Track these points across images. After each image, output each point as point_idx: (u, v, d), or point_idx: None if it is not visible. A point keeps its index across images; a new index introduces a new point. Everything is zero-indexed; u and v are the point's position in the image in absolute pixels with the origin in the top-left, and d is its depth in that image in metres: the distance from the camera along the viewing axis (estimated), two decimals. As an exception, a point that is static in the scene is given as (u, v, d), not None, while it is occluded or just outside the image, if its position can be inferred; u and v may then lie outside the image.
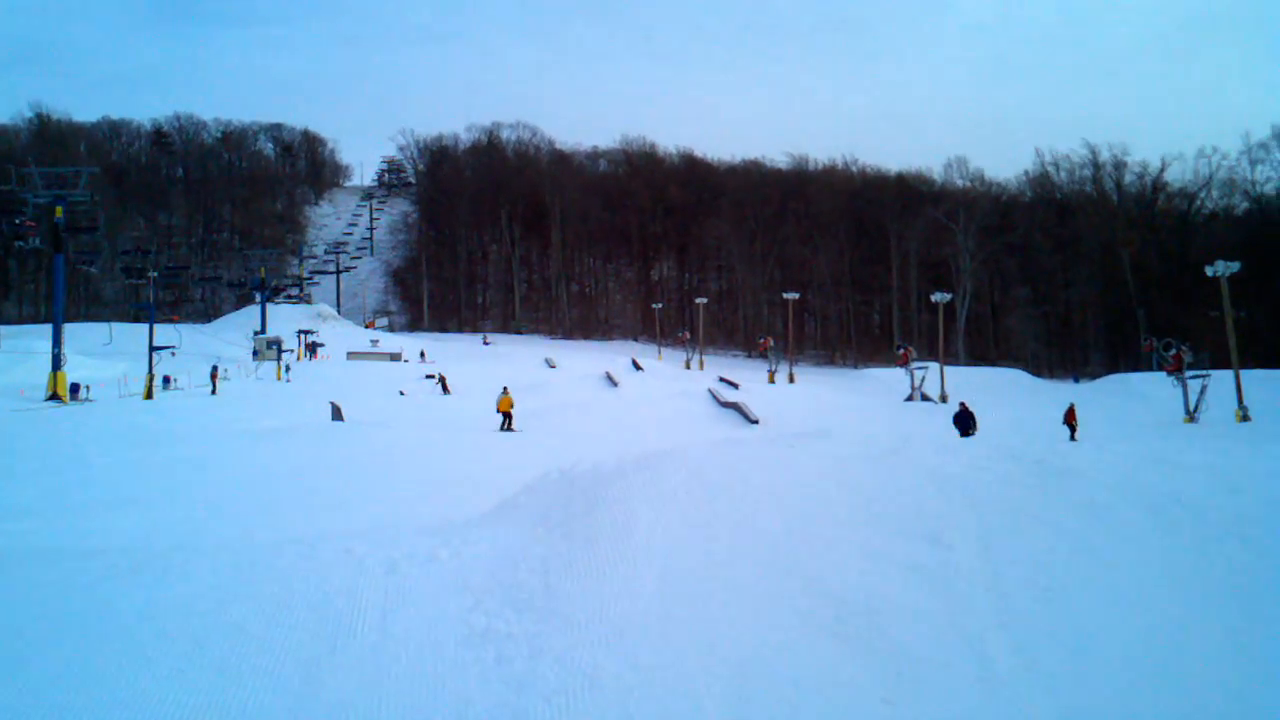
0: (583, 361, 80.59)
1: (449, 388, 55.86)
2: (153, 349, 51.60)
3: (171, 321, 71.35)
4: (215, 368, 55.19)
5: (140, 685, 6.08)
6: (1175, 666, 6.19)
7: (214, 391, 51.16)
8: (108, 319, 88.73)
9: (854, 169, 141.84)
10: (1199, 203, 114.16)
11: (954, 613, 6.86)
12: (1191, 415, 43.67)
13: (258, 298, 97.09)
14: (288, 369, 68.23)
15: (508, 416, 34.71)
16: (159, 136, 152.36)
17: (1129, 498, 8.61)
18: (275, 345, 72.35)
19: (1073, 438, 31.66)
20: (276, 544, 9.20)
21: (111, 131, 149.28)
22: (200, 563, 8.36)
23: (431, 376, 62.99)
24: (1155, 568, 7.44)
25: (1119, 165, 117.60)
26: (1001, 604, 6.97)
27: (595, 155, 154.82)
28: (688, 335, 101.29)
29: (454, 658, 6.34)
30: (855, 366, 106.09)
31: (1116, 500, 8.57)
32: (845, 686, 6.02)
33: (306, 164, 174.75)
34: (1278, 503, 8.30)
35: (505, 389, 36.85)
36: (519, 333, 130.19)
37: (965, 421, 29.94)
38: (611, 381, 62.76)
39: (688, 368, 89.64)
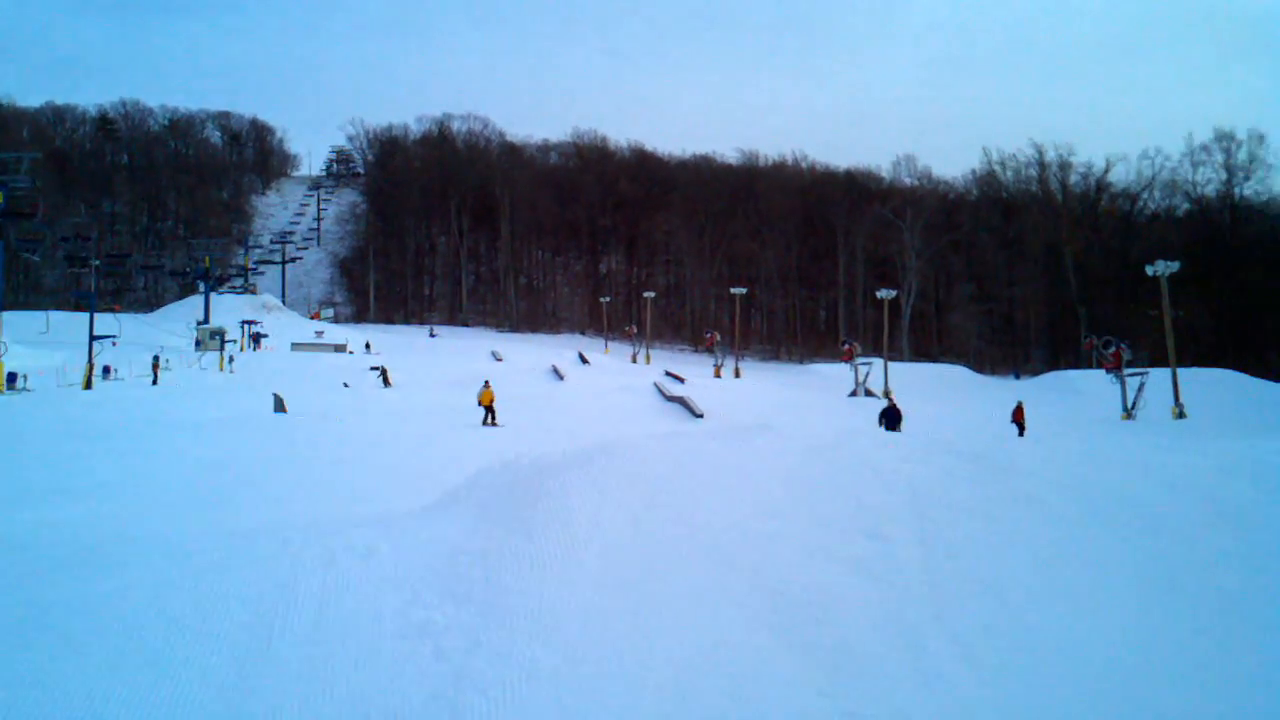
0: (529, 354, 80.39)
1: (390, 380, 54.68)
2: (93, 338, 50.94)
3: (113, 311, 70.34)
4: (156, 358, 54.60)
5: (71, 678, 5.99)
6: (1109, 657, 6.27)
7: (155, 382, 50.70)
8: (48, 307, 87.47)
9: (804, 165, 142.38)
10: (1141, 203, 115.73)
11: (892, 606, 6.90)
12: (1129, 412, 44.22)
13: (201, 287, 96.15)
14: (231, 359, 67.63)
15: (490, 410, 33.76)
16: (104, 123, 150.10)
17: (1065, 492, 8.71)
18: (218, 336, 71.62)
19: (1021, 435, 31.82)
20: (214, 536, 9.11)
21: (55, 117, 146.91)
22: (136, 555, 8.27)
23: (377, 369, 62.61)
24: (1090, 561, 7.53)
25: (1064, 165, 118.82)
26: (939, 597, 7.02)
27: (546, 148, 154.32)
28: (635, 329, 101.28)
29: (391, 651, 6.30)
30: (801, 362, 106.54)
31: (1053, 495, 8.66)
32: (783, 680, 6.04)
33: (254, 153, 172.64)
34: (1208, 497, 8.43)
35: (486, 382, 35.78)
36: (466, 325, 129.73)
37: (892, 418, 29.89)
38: (558, 375, 62.66)
39: (634, 361, 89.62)
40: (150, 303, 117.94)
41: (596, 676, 5.98)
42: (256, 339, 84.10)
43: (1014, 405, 35.57)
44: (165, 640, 6.50)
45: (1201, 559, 7.44)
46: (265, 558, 7.90)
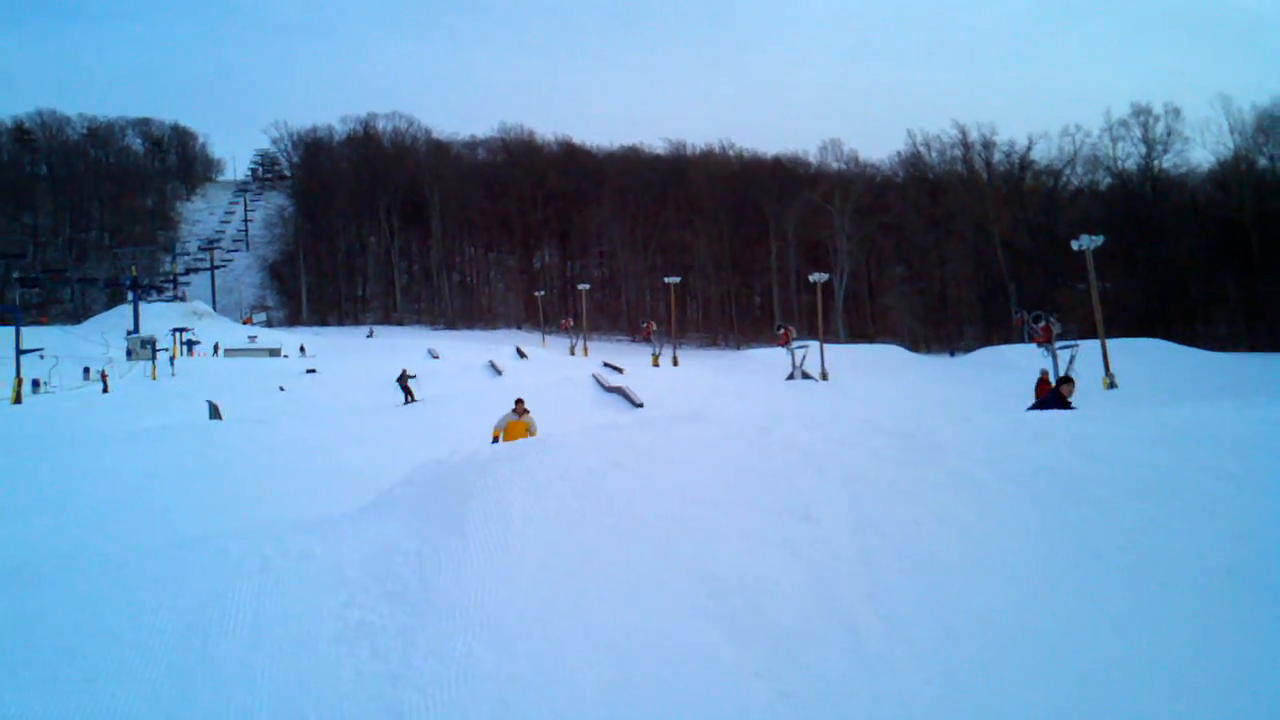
0: (467, 351, 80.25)
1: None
2: (19, 352, 50.37)
3: (40, 323, 69.55)
4: (88, 369, 54.19)
5: (4, 696, 5.94)
6: (1034, 626, 6.42)
7: (105, 390, 51.06)
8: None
9: (731, 153, 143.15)
10: (1064, 179, 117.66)
11: (825, 587, 7.01)
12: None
13: (130, 296, 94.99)
14: (171, 360, 67.23)
15: None
16: (21, 133, 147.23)
17: (994, 468, 8.86)
18: (149, 345, 70.90)
19: (1056, 405, 31.16)
20: (150, 547, 9.05)
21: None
22: (71, 569, 8.19)
23: (312, 371, 62.01)
24: (1018, 536, 7.68)
25: (987, 144, 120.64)
26: (871, 577, 7.14)
27: (474, 144, 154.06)
28: (571, 322, 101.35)
29: (328, 653, 6.31)
30: (737, 348, 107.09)
31: (982, 471, 8.81)
32: (720, 665, 6.13)
33: (177, 158, 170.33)
34: (1129, 465, 8.62)
35: (519, 405, 21.14)
36: (401, 324, 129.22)
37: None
38: (496, 370, 62.61)
39: (572, 354, 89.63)
40: (78, 314, 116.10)
41: (536, 671, 6.03)
42: (189, 346, 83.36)
43: (1038, 377, 34.11)
44: (101, 654, 6.45)
45: (1123, 527, 7.62)
46: (201, 566, 7.86)
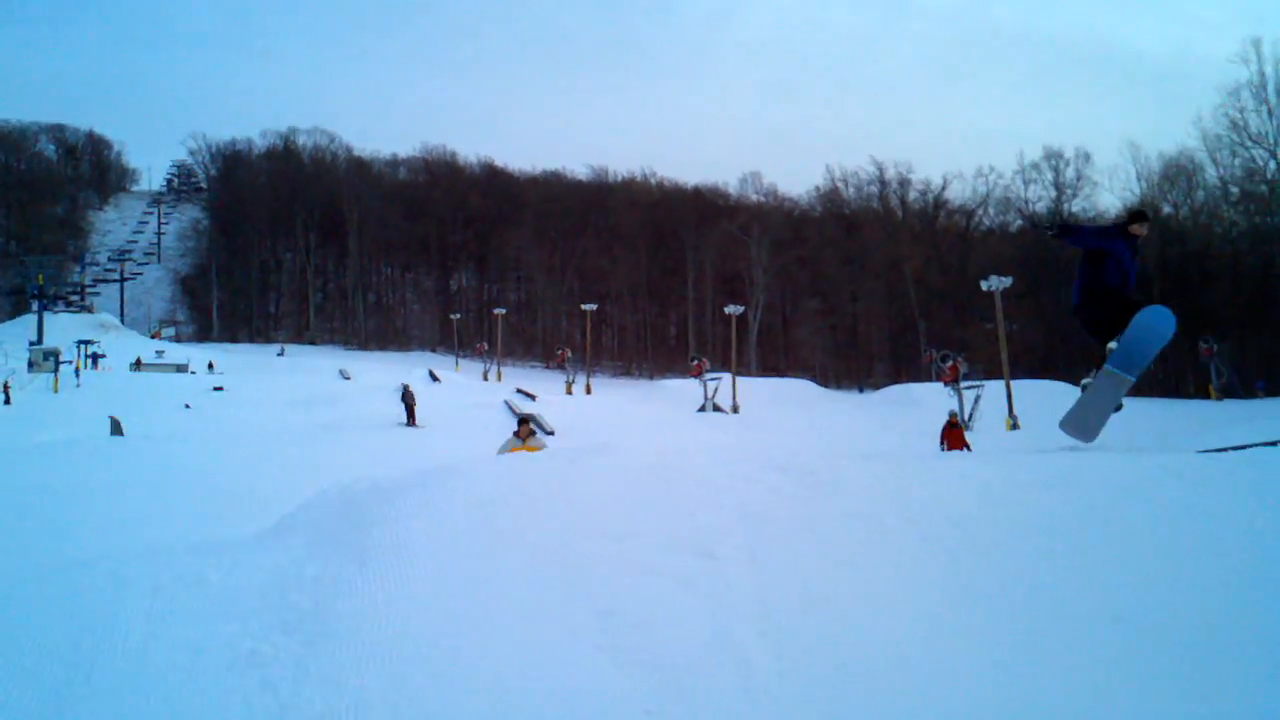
0: (379, 373, 79.40)
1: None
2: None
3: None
4: (-4, 380, 53.16)
5: None
6: (926, 672, 6.52)
7: (8, 402, 49.98)
8: None
9: (653, 181, 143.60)
10: (977, 219, 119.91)
11: (720, 623, 7.06)
12: (966, 424, 45.60)
13: (35, 306, 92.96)
14: (77, 373, 65.92)
15: None
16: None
17: (892, 508, 8.97)
18: (52, 357, 69.37)
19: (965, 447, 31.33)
20: (40, 566, 8.85)
21: None
22: (-47, 589, 7.98)
23: (220, 389, 61.04)
24: (913, 576, 7.79)
25: (904, 182, 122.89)
26: (765, 614, 7.20)
27: (395, 163, 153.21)
28: (486, 346, 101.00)
29: (218, 683, 6.21)
30: (651, 378, 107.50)
31: (880, 510, 8.91)
32: (610, 699, 6.15)
33: (90, 166, 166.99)
34: (1026, 510, 8.80)
35: (524, 427, 17.28)
36: (314, 343, 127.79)
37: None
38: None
39: (486, 379, 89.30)
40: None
41: (426, 704, 6.00)
42: (94, 359, 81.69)
43: (946, 420, 32.60)
44: (-22, 679, 6.30)
45: (1014, 570, 7.78)
46: (89, 590, 7.68)
